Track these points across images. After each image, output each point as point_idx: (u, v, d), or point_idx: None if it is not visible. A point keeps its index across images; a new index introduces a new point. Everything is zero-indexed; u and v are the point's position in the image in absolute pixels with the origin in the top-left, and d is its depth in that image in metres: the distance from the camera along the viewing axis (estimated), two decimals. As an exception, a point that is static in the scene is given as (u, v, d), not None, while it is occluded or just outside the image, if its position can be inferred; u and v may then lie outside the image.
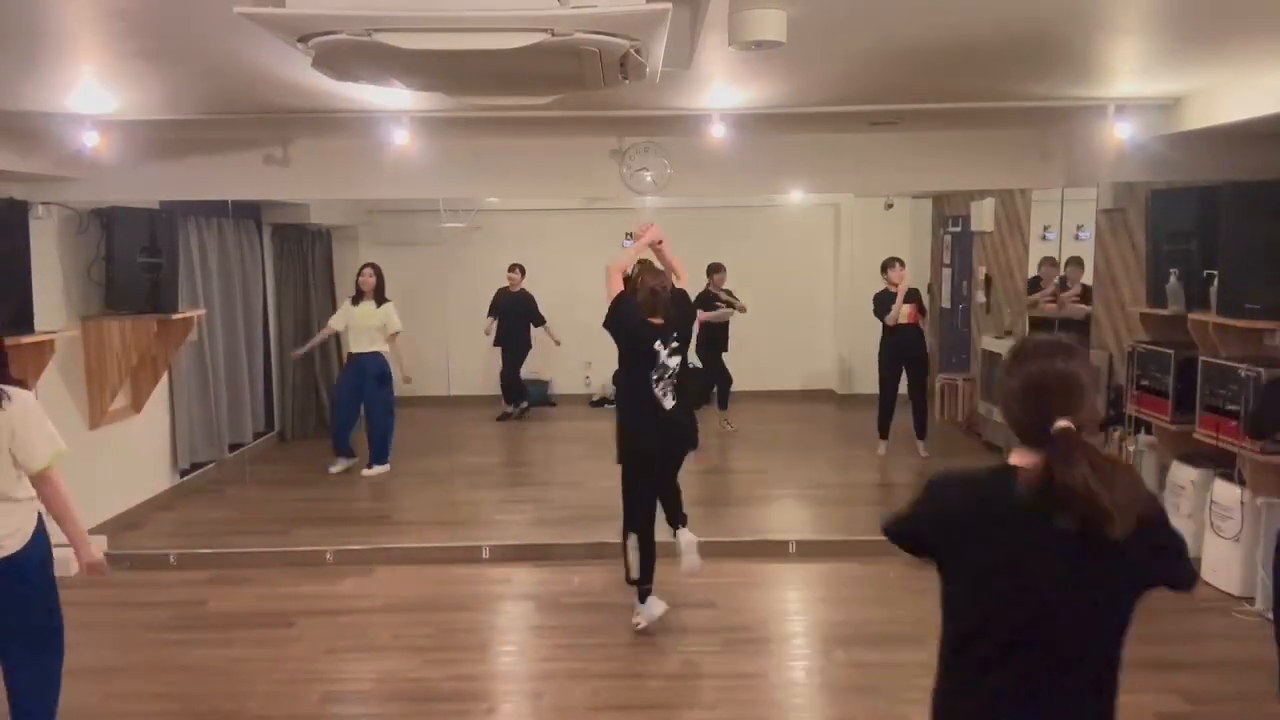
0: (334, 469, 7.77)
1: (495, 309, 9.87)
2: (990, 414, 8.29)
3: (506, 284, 9.88)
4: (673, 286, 4.78)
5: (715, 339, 9.19)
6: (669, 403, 4.70)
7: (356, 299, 7.72)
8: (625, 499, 4.73)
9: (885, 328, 7.98)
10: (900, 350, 8.00)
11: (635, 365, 4.67)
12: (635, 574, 4.70)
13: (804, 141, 5.80)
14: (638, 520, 4.69)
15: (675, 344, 4.71)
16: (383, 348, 7.69)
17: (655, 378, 4.63)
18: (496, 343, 9.88)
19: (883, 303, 7.98)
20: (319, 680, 4.33)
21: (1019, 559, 1.83)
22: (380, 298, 7.68)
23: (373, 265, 7.80)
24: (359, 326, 7.65)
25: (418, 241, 10.36)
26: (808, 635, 4.85)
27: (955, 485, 1.97)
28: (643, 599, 4.70)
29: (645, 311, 4.61)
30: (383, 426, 7.77)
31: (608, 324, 4.66)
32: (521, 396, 10.02)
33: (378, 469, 7.72)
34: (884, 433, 8.12)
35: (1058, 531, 1.76)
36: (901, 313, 7.90)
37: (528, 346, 9.96)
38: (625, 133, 5.70)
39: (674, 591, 5.09)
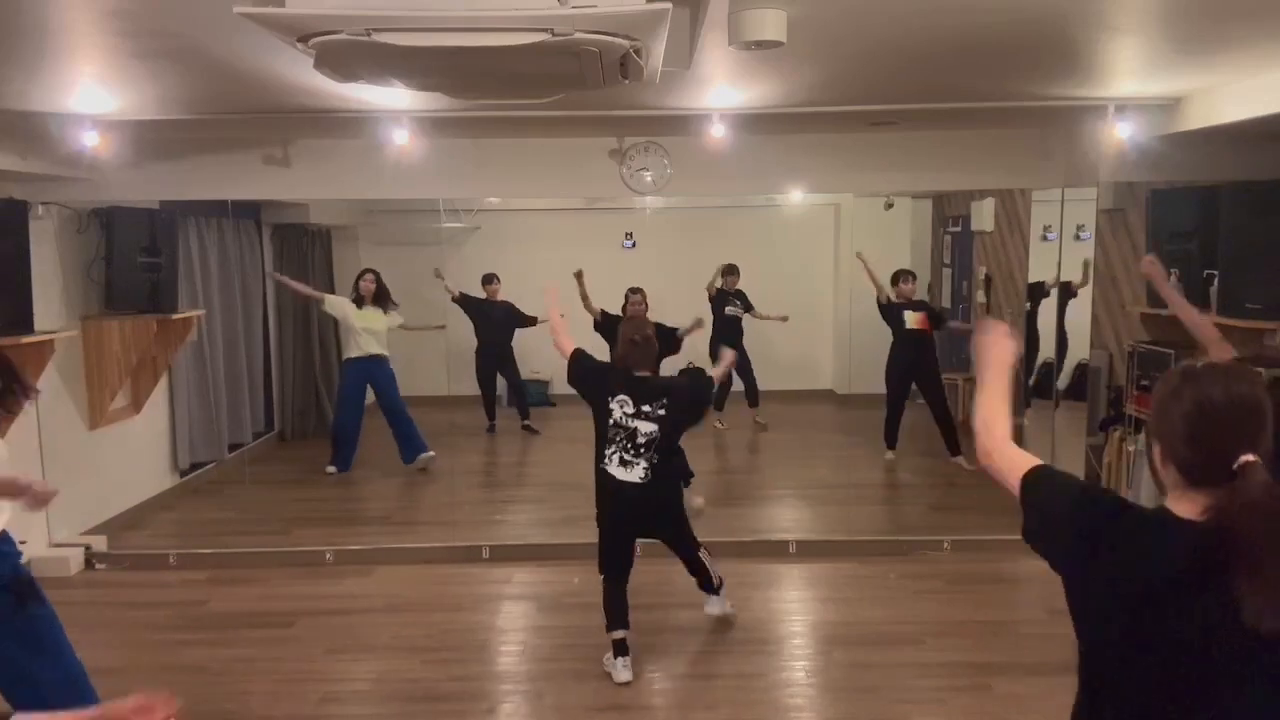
0: (331, 469, 7.76)
1: (477, 318, 9.34)
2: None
3: (485, 295, 9.36)
4: (654, 332, 4.34)
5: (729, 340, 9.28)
6: (621, 472, 4.16)
7: (359, 303, 7.69)
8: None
9: (895, 336, 7.87)
10: (909, 359, 7.82)
11: (597, 422, 4.25)
12: (608, 623, 4.29)
13: (804, 141, 5.80)
14: (603, 566, 4.38)
15: (647, 408, 4.15)
16: (387, 351, 7.70)
17: (606, 440, 4.17)
18: (488, 358, 9.46)
19: (891, 314, 7.91)
20: (319, 680, 4.33)
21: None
22: (386, 303, 7.68)
23: (373, 271, 7.78)
24: (363, 329, 7.61)
25: (418, 241, 10.35)
26: (808, 635, 4.85)
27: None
28: (614, 654, 4.27)
29: (627, 364, 4.26)
30: (408, 422, 7.75)
31: (571, 381, 4.36)
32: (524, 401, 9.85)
33: (426, 455, 7.72)
34: (891, 443, 8.01)
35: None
36: (913, 319, 7.86)
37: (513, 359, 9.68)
38: (625, 133, 5.70)
39: (674, 590, 5.09)
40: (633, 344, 4.25)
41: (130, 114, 4.51)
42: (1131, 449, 5.94)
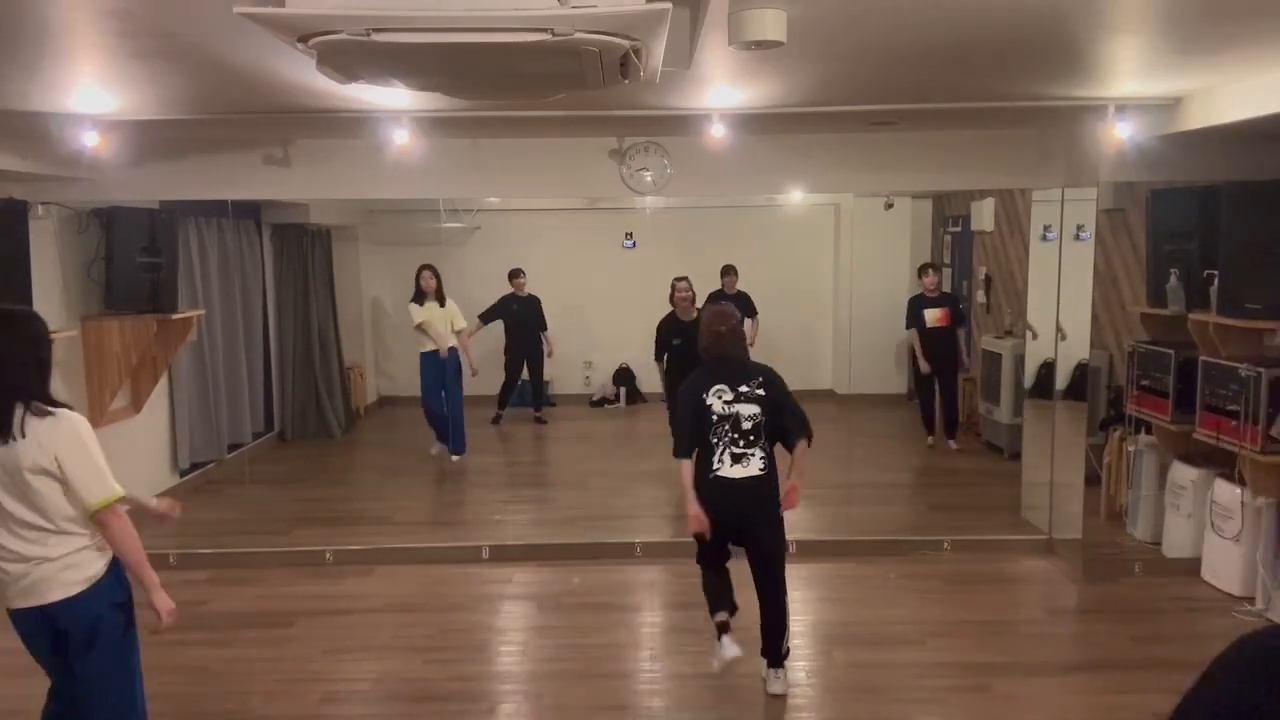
0: (435, 450, 8.17)
1: (502, 315, 9.48)
2: (990, 413, 8.30)
3: (512, 289, 9.51)
4: (737, 317, 4.02)
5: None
6: (738, 470, 3.85)
7: (420, 299, 7.96)
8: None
9: (919, 332, 8.27)
10: (931, 352, 8.27)
11: (697, 429, 3.89)
12: (710, 608, 4.10)
13: (804, 141, 5.80)
14: (701, 557, 4.19)
15: (745, 388, 3.88)
16: (454, 342, 8.05)
17: (714, 440, 3.86)
18: (511, 350, 9.61)
19: (912, 308, 8.37)
20: (319, 680, 4.33)
21: None
22: (443, 296, 8.01)
23: (431, 267, 8.04)
24: (438, 324, 7.96)
25: (418, 241, 10.36)
26: (808, 635, 4.85)
27: None
28: (718, 635, 4.09)
29: (712, 355, 3.98)
30: (461, 417, 8.14)
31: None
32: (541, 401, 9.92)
33: (456, 455, 8.08)
34: (930, 427, 8.46)
35: None
36: (933, 317, 8.26)
37: (543, 351, 9.74)
38: (625, 133, 5.70)
39: (674, 590, 5.10)
40: (718, 335, 3.99)
41: (130, 114, 4.51)
42: (1131, 449, 5.94)
